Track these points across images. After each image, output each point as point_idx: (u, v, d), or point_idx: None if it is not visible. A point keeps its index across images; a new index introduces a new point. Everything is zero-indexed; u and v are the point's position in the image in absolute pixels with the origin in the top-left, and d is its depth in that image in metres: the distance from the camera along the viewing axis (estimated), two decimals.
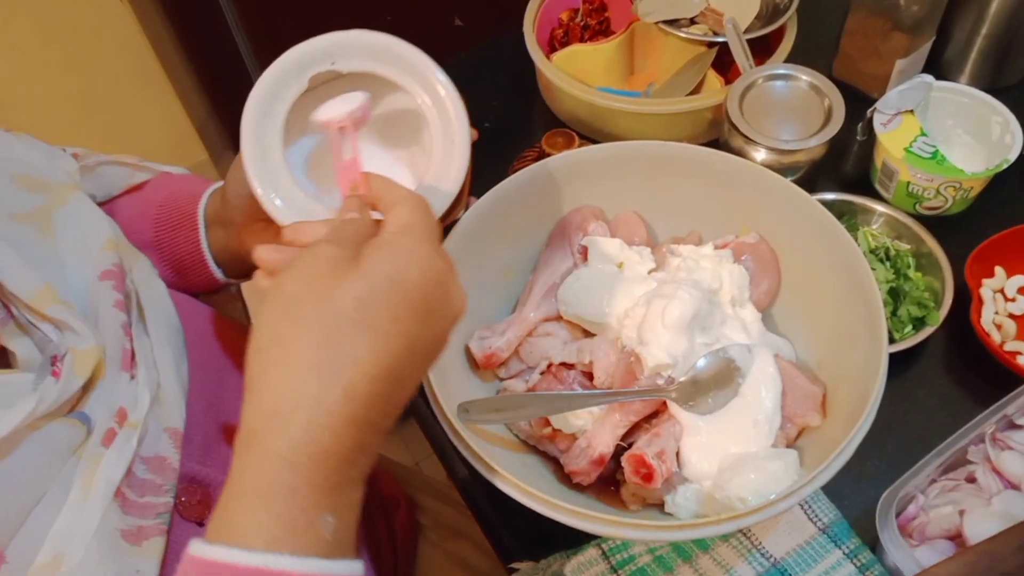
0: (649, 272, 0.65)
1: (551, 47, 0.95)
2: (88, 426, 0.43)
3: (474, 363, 0.63)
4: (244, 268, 0.65)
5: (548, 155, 0.68)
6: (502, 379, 0.64)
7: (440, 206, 0.51)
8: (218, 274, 0.64)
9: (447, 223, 0.56)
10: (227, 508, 0.36)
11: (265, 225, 0.60)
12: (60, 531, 0.40)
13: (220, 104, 1.55)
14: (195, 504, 0.49)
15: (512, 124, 0.94)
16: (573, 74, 0.88)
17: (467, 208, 0.61)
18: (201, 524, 0.49)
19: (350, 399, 0.36)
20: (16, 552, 0.39)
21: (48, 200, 0.51)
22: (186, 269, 0.63)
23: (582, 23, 0.96)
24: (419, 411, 0.71)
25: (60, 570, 0.39)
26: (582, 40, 0.95)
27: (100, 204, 0.59)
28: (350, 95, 0.48)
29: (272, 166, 0.50)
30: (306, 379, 0.36)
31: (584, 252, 0.66)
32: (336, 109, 0.47)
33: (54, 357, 0.43)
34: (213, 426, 0.54)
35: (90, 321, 0.46)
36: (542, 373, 0.63)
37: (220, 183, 0.64)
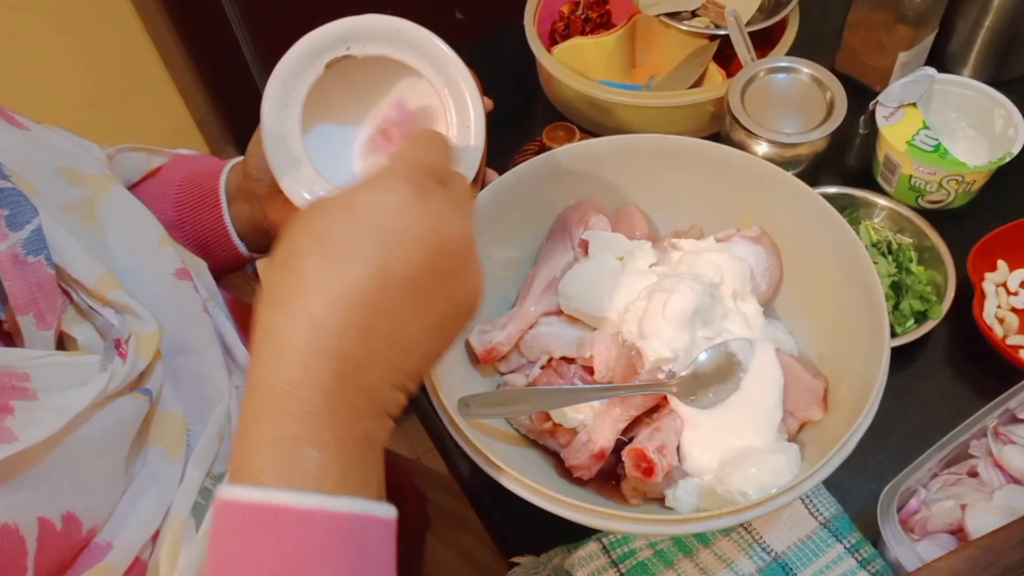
0: (650, 266, 0.64)
1: (552, 40, 0.94)
2: (150, 398, 0.44)
3: (474, 357, 0.63)
4: (267, 241, 0.66)
5: (549, 149, 0.68)
6: (503, 373, 0.64)
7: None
8: (242, 248, 0.65)
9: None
10: (232, 449, 0.37)
11: (287, 199, 0.61)
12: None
13: (220, 98, 1.55)
14: None
15: (513, 118, 0.94)
16: (574, 67, 0.87)
17: (484, 187, 0.62)
18: None
19: (314, 329, 0.35)
20: (114, 535, 0.40)
21: (89, 192, 0.52)
22: (210, 246, 0.64)
23: (583, 16, 0.95)
24: (420, 405, 0.71)
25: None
26: (583, 33, 0.94)
27: None
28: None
29: (293, 155, 0.51)
30: (273, 312, 0.36)
31: (585, 246, 0.66)
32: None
33: (117, 341, 0.44)
34: None
35: (155, 309, 0.47)
36: (542, 367, 0.63)
37: (239, 158, 0.65)
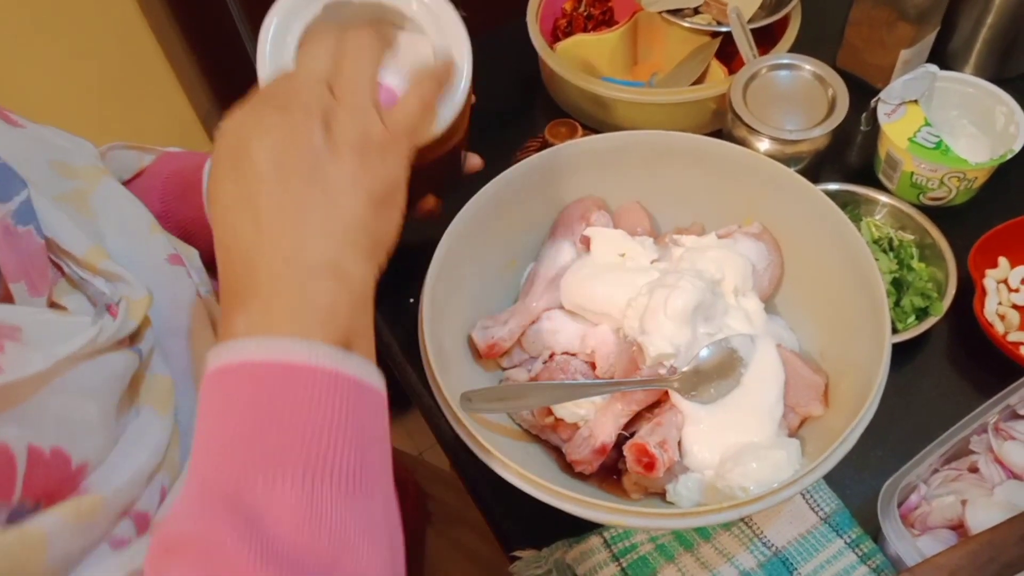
0: (652, 262, 0.65)
1: (554, 37, 0.94)
2: (140, 356, 0.45)
3: (477, 353, 0.63)
4: None
5: (551, 145, 0.68)
6: (505, 368, 0.64)
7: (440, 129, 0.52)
8: None
9: (448, 149, 0.57)
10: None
11: None
12: None
13: (224, 95, 1.55)
14: None
15: (515, 114, 0.94)
16: (576, 64, 0.88)
17: (468, 141, 0.62)
18: None
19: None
20: (105, 483, 0.41)
21: (80, 185, 0.52)
22: (193, 235, 0.64)
23: (585, 13, 0.96)
24: (422, 401, 0.72)
25: None
26: (585, 30, 0.94)
27: None
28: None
29: None
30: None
31: (587, 242, 0.66)
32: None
33: (108, 305, 0.45)
34: None
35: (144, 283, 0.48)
36: (544, 363, 0.63)
37: None
